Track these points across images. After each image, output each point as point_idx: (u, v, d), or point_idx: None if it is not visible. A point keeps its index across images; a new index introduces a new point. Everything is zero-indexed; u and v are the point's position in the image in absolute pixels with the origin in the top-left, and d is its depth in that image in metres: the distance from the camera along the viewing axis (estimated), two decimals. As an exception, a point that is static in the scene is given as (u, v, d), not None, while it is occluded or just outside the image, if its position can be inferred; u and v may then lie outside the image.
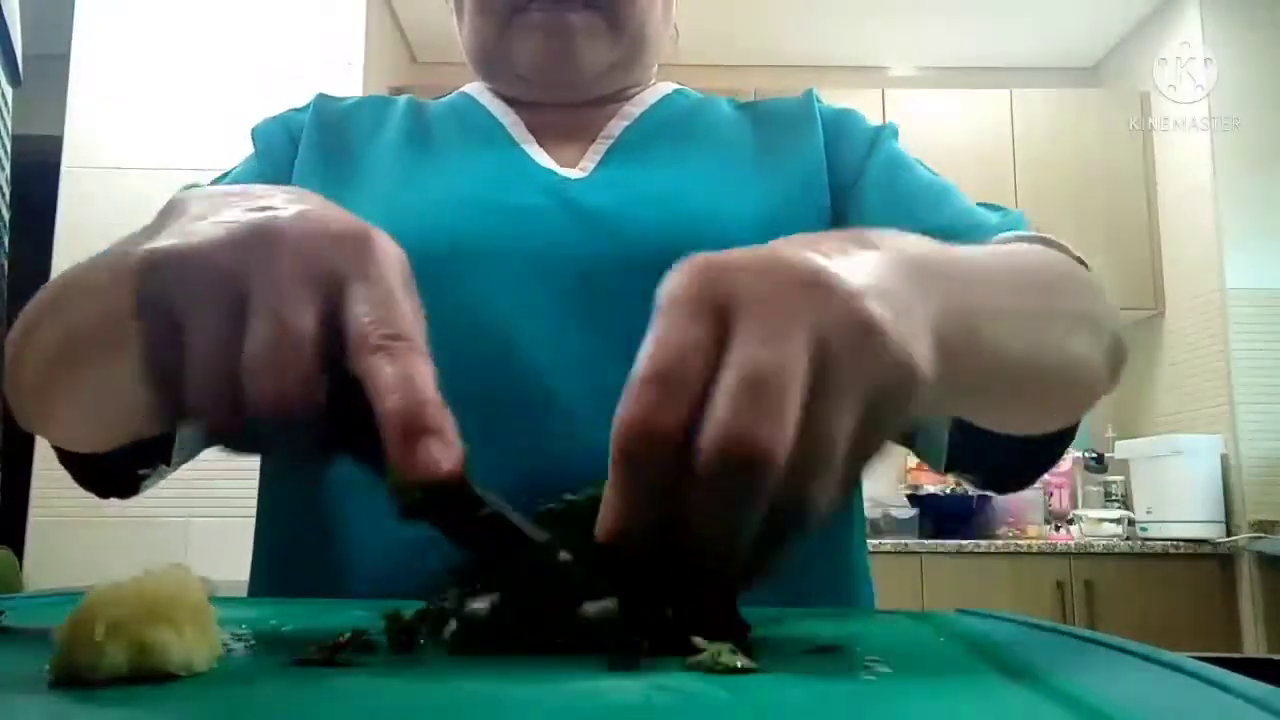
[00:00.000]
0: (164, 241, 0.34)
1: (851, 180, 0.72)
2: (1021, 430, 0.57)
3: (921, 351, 0.34)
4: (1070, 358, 0.53)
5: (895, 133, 0.76)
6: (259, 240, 0.34)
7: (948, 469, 0.62)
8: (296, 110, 0.77)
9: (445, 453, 0.32)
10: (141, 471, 0.63)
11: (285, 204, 0.36)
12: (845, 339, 0.31)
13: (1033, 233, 0.63)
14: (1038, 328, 0.49)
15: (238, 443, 0.34)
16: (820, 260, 0.33)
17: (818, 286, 0.32)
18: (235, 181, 0.71)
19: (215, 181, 0.73)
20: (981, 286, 0.44)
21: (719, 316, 0.31)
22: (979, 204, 0.71)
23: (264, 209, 0.35)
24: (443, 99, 0.80)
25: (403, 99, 0.78)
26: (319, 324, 0.33)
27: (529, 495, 0.47)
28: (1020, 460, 0.62)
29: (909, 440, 0.66)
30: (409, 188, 0.68)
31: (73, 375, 0.49)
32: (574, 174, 0.70)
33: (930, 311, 0.36)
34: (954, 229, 0.63)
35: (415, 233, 0.63)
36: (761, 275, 0.32)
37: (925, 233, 0.54)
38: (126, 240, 0.44)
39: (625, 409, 0.31)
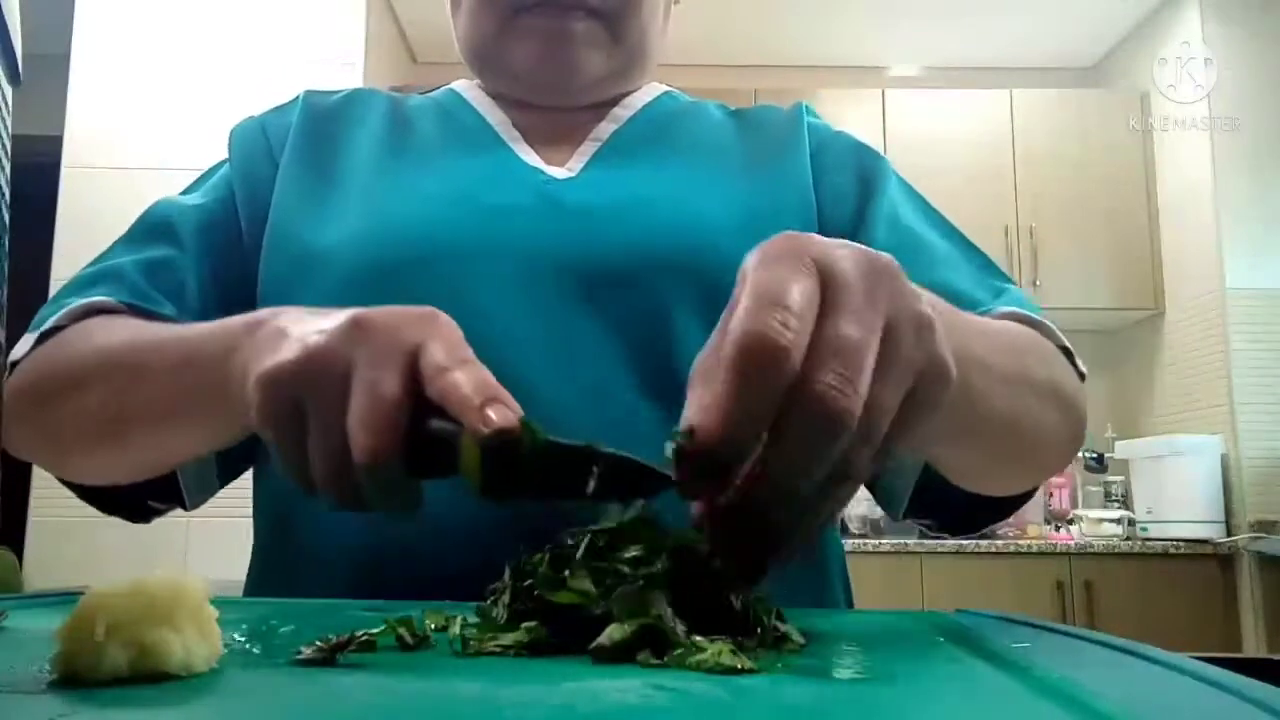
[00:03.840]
0: (275, 357, 0.42)
1: (846, 214, 0.71)
2: (987, 489, 0.62)
3: (950, 357, 0.38)
4: (1041, 423, 0.58)
5: (890, 169, 0.75)
6: (354, 329, 0.42)
7: (905, 515, 0.65)
8: (280, 109, 0.76)
9: (512, 409, 0.38)
10: (154, 504, 0.65)
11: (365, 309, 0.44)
12: (910, 327, 0.36)
13: (1022, 313, 0.64)
14: (1017, 390, 0.54)
15: (351, 502, 0.41)
16: (894, 261, 0.38)
17: (896, 278, 0.37)
18: (211, 191, 0.72)
19: (190, 188, 0.74)
20: (975, 342, 0.50)
21: (815, 273, 0.35)
22: (986, 265, 0.71)
23: (355, 311, 0.43)
24: (427, 93, 0.78)
25: (382, 97, 0.76)
26: (404, 389, 0.40)
27: None
28: (974, 513, 0.65)
29: (871, 485, 0.68)
30: (393, 190, 0.67)
31: (111, 441, 0.57)
32: (561, 173, 0.69)
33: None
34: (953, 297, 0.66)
35: (399, 233, 0.64)
36: (849, 253, 0.36)
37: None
38: (201, 339, 0.52)
39: (743, 322, 0.33)
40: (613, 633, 0.31)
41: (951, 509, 0.64)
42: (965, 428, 0.52)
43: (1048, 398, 0.58)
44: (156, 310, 0.64)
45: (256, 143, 0.73)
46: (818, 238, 0.37)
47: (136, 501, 0.64)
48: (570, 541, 0.37)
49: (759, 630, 0.34)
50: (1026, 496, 0.65)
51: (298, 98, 0.76)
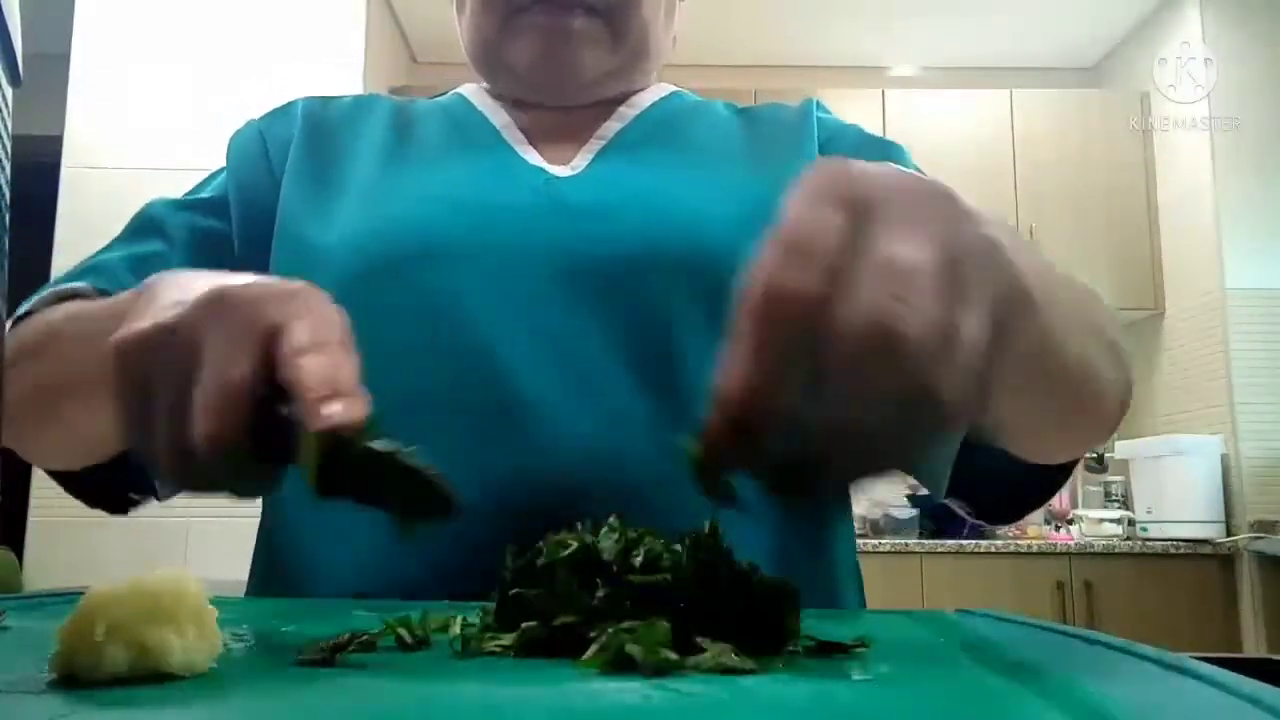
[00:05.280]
0: (132, 327, 0.39)
1: None
2: (1044, 452, 0.57)
3: (1029, 280, 0.34)
4: (1103, 377, 0.53)
5: (909, 159, 0.74)
6: (211, 304, 0.38)
7: (946, 496, 0.64)
8: (280, 115, 0.76)
9: (352, 405, 0.35)
10: (132, 495, 0.65)
11: (238, 279, 0.40)
12: (974, 252, 0.32)
13: None
14: (1087, 338, 0.49)
15: (194, 485, 0.38)
16: (947, 186, 0.34)
17: (951, 202, 0.33)
18: (212, 195, 0.72)
19: (194, 190, 0.74)
20: (1049, 280, 0.43)
21: (854, 211, 0.31)
22: None
23: (219, 284, 0.40)
24: (434, 99, 0.79)
25: (387, 102, 0.77)
26: (254, 372, 0.37)
27: (512, 490, 0.48)
28: (1015, 494, 0.64)
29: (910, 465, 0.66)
30: (394, 189, 0.68)
31: (46, 414, 0.56)
32: (563, 171, 0.69)
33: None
34: None
35: (398, 232, 0.64)
36: (897, 183, 0.33)
37: None
38: (109, 309, 0.50)
39: (758, 271, 0.30)
40: (596, 647, 0.31)
41: (992, 490, 0.62)
42: (1042, 371, 0.45)
43: (1109, 350, 0.54)
44: None
45: (254, 149, 0.74)
46: (863, 165, 0.33)
47: (117, 494, 0.64)
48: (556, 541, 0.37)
49: (762, 630, 0.34)
50: (1064, 479, 0.62)
51: (295, 105, 0.76)
